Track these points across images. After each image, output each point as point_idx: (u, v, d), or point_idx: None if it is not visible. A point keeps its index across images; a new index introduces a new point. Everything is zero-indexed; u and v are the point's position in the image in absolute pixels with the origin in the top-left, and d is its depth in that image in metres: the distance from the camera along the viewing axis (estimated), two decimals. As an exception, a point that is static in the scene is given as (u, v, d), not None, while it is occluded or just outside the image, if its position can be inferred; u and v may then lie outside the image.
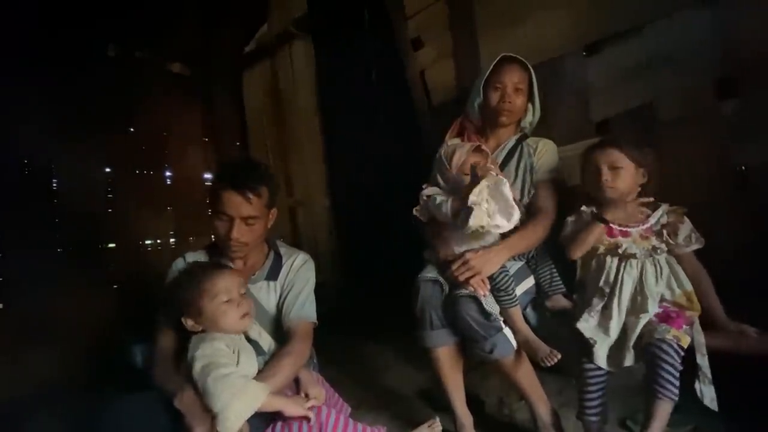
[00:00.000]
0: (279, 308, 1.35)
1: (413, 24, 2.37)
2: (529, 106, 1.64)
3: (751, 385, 1.19)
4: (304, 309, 1.32)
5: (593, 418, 1.24)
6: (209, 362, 0.97)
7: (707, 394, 1.11)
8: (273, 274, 1.37)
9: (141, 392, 1.12)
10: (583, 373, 1.25)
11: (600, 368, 1.23)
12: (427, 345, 1.42)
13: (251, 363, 1.07)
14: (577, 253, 1.35)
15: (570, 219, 1.42)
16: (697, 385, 1.12)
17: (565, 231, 1.42)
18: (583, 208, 1.38)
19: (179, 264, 1.33)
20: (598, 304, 1.28)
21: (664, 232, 1.28)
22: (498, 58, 1.59)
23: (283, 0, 3.22)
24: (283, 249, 1.43)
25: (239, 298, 1.09)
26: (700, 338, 1.16)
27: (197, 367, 0.97)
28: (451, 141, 1.60)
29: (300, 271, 1.38)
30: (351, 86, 2.90)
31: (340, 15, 2.91)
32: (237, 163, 1.39)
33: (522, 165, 1.58)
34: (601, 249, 1.32)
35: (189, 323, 1.08)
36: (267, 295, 1.35)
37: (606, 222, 1.31)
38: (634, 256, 1.26)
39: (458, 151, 1.41)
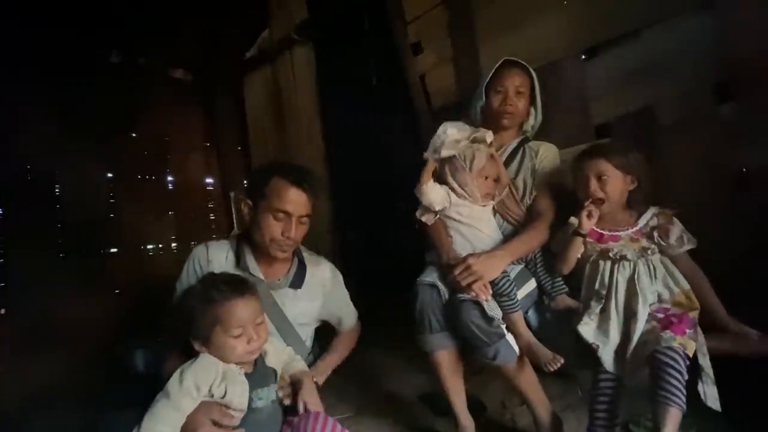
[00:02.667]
0: (303, 317, 1.37)
1: (413, 29, 2.38)
2: (531, 109, 1.65)
3: (752, 387, 1.18)
4: (354, 314, 1.53)
5: (603, 429, 1.20)
6: (169, 389, 0.96)
7: (710, 394, 1.10)
8: (297, 282, 1.36)
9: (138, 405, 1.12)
10: (594, 384, 1.23)
11: (610, 377, 1.21)
12: (426, 349, 1.42)
13: (240, 395, 1.01)
14: (564, 269, 1.38)
15: (560, 232, 1.43)
16: (700, 386, 1.11)
17: (554, 245, 1.43)
18: (571, 219, 1.39)
19: (200, 252, 1.29)
20: (596, 306, 1.28)
21: (655, 234, 1.29)
22: (500, 62, 1.60)
23: (283, 6, 3.24)
24: (305, 255, 1.43)
25: (253, 329, 1.03)
26: (701, 339, 1.16)
27: (172, 378, 0.97)
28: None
29: (336, 284, 1.47)
30: (351, 91, 2.91)
31: (340, 20, 2.93)
32: (291, 163, 1.40)
33: (523, 168, 1.58)
34: (594, 255, 1.34)
35: (196, 345, 1.03)
36: (291, 302, 1.34)
37: (583, 236, 1.33)
38: (626, 257, 1.28)
39: (478, 156, 1.44)
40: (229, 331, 1.00)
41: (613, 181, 1.33)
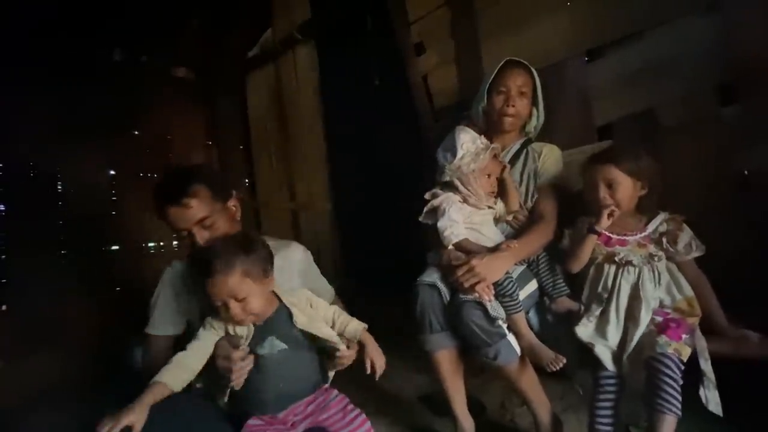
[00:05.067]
0: None
1: (416, 29, 2.38)
2: (534, 110, 1.64)
3: (753, 390, 1.18)
4: (332, 291, 1.48)
5: (605, 429, 1.20)
6: (198, 334, 1.13)
7: (712, 399, 1.10)
8: None
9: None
10: (595, 383, 1.23)
11: (610, 374, 1.21)
12: (427, 348, 1.42)
13: (246, 333, 1.12)
14: (576, 268, 1.36)
15: (568, 231, 1.43)
16: (701, 391, 1.12)
17: (563, 244, 1.43)
18: (580, 220, 1.39)
19: (168, 273, 1.33)
20: (596, 309, 1.28)
21: (664, 240, 1.28)
22: (502, 63, 1.59)
23: (286, 5, 3.24)
24: (271, 242, 1.33)
25: (234, 304, 1.08)
26: (702, 343, 1.16)
27: (201, 328, 1.15)
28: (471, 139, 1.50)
29: (310, 263, 1.44)
30: (354, 91, 2.91)
31: (343, 20, 2.93)
32: (163, 179, 1.34)
33: (526, 170, 1.58)
34: (599, 258, 1.33)
35: None
36: None
37: (598, 233, 1.31)
38: (631, 263, 1.27)
39: (482, 154, 1.42)
40: (212, 299, 1.10)
41: (622, 188, 1.30)
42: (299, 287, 1.33)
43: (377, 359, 1.15)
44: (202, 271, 1.08)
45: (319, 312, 1.21)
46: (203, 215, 1.21)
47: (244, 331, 1.11)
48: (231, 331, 1.12)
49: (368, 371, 1.14)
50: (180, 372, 1.07)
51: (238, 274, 1.08)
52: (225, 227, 1.26)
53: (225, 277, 1.07)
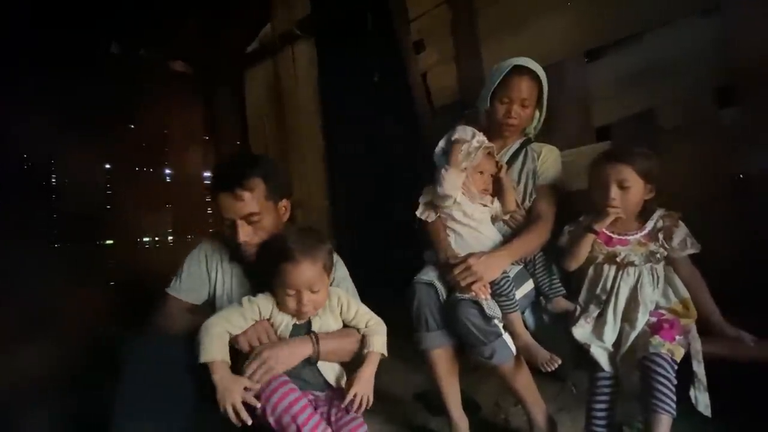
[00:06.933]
0: None
1: (416, 27, 2.38)
2: (536, 112, 1.62)
3: (747, 392, 1.19)
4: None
5: (601, 429, 1.21)
6: (242, 301, 1.13)
7: (702, 400, 1.11)
8: None
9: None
10: (591, 384, 1.24)
11: (607, 375, 1.21)
12: (422, 347, 1.41)
13: (284, 327, 1.13)
14: (572, 266, 1.36)
15: (568, 228, 1.42)
16: (692, 392, 1.12)
17: (562, 241, 1.42)
18: (581, 218, 1.38)
19: (206, 244, 1.34)
20: (594, 311, 1.28)
21: (660, 235, 1.28)
22: (509, 69, 1.51)
23: (286, 1, 3.22)
24: None
25: (306, 294, 1.09)
26: (697, 345, 1.16)
27: (246, 297, 1.14)
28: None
29: (337, 268, 1.35)
30: (353, 88, 2.90)
31: (343, 16, 2.92)
32: (226, 162, 1.32)
33: (525, 169, 1.57)
34: (600, 258, 1.32)
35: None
36: None
37: (596, 232, 1.30)
38: (633, 263, 1.26)
39: (475, 153, 1.42)
40: (283, 288, 1.09)
41: (634, 190, 1.28)
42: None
43: (360, 388, 1.09)
44: (282, 259, 1.07)
45: (350, 315, 1.20)
46: (253, 210, 1.18)
47: (283, 324, 1.12)
48: (274, 319, 1.12)
49: (347, 396, 1.08)
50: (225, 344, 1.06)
51: (321, 266, 1.10)
52: (270, 227, 1.23)
53: (312, 266, 1.08)
